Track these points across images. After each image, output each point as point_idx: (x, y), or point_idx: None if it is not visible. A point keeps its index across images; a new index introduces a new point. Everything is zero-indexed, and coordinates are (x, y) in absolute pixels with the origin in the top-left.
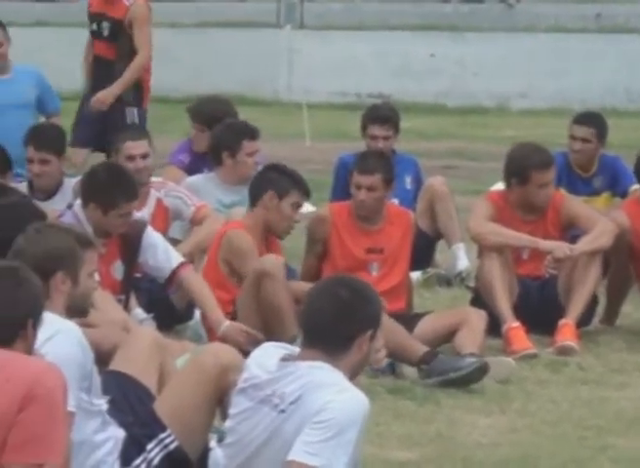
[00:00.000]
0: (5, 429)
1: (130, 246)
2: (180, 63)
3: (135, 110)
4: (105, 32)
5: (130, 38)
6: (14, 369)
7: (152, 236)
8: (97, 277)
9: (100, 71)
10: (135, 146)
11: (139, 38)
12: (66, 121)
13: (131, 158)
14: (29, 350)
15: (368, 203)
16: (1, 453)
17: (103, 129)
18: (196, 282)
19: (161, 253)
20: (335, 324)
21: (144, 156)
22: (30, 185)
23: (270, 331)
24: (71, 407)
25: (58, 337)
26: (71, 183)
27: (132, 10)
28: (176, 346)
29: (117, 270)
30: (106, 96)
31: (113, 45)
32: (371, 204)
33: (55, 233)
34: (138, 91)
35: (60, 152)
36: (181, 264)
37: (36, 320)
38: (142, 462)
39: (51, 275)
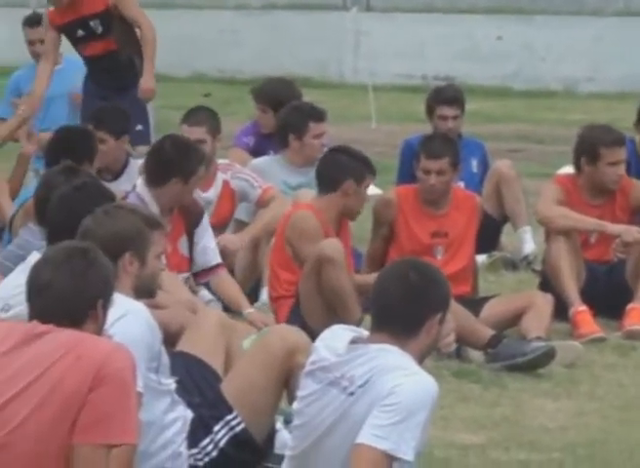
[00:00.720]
0: (76, 408)
1: (193, 220)
2: (245, 45)
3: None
4: (99, 30)
5: (121, 22)
6: (84, 348)
7: (207, 221)
8: (163, 259)
9: (103, 66)
10: (190, 131)
11: (132, 14)
12: None
13: None
14: (99, 331)
15: (438, 187)
16: (71, 433)
17: None
18: (230, 281)
19: (212, 242)
20: (404, 307)
21: (199, 142)
22: None
23: (334, 314)
24: (139, 387)
25: (126, 318)
26: (137, 164)
27: None
28: (242, 327)
29: (184, 246)
30: (149, 82)
31: (111, 37)
32: (440, 188)
33: (123, 214)
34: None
35: (118, 134)
36: (222, 263)
37: (106, 301)
38: (209, 443)
39: (119, 256)
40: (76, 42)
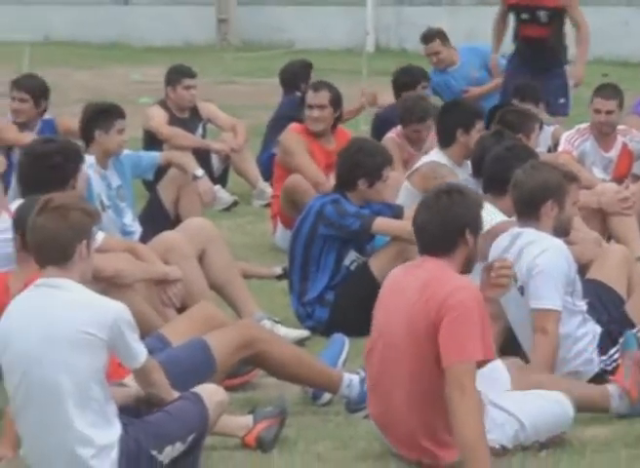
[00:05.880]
0: (433, 338)
1: None
2: (636, 35)
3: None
4: (543, 19)
5: (561, 19)
6: (433, 290)
7: None
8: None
9: (528, 49)
10: (604, 104)
11: (576, 15)
12: None
13: (596, 111)
14: (471, 255)
15: None
16: (441, 360)
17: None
18: None
19: None
20: None
21: (608, 113)
22: None
23: None
24: (558, 306)
25: (548, 252)
26: (549, 131)
27: None
28: None
29: None
30: (580, 71)
31: (549, 27)
32: None
33: (547, 169)
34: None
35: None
36: None
37: (474, 228)
38: (616, 352)
39: (543, 203)
40: (519, 21)
